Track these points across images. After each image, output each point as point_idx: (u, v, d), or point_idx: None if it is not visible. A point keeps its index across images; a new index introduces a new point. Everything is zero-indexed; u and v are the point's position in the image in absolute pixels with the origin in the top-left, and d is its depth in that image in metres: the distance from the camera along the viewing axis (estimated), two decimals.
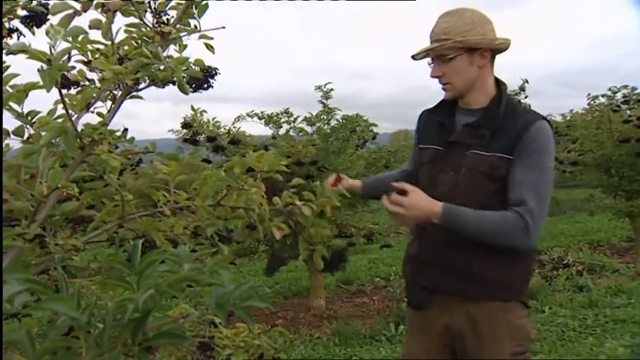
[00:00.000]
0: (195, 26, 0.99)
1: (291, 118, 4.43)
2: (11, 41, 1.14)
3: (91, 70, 0.97)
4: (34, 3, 1.11)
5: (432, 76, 1.61)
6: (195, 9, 0.98)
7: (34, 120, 0.95)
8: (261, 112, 4.39)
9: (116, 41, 0.94)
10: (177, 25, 0.97)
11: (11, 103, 0.92)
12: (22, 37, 1.16)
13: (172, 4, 0.97)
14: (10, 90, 0.93)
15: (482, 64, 1.57)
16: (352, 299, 5.12)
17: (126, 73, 0.90)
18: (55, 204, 0.87)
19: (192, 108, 3.95)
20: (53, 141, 0.88)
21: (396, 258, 6.05)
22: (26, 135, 0.95)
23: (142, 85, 0.96)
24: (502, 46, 1.59)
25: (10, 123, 0.93)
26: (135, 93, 0.97)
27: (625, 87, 5.38)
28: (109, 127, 0.92)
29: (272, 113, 4.41)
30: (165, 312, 0.86)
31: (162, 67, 0.92)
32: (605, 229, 7.46)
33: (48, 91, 0.82)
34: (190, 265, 0.73)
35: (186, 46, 0.99)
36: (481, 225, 1.49)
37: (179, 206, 1.02)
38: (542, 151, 1.50)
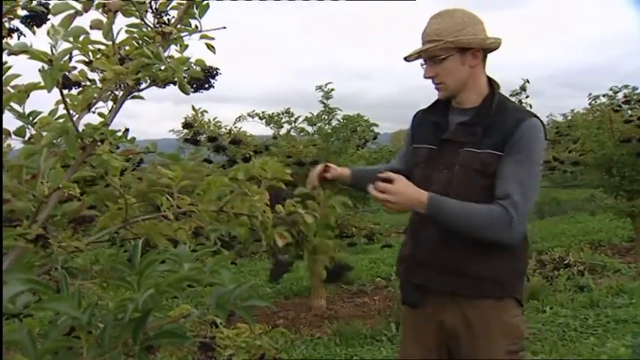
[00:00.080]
0: (196, 26, 0.99)
1: (292, 118, 4.43)
2: (12, 41, 1.14)
3: (92, 71, 0.97)
4: (34, 3, 1.11)
5: (425, 77, 1.62)
6: (196, 9, 0.98)
7: (35, 120, 0.95)
8: (262, 112, 4.39)
9: (117, 41, 0.94)
10: (178, 26, 0.97)
11: (12, 104, 0.92)
12: (22, 37, 1.16)
13: (173, 4, 0.97)
14: (12, 90, 0.93)
15: (474, 64, 1.58)
16: (353, 299, 5.12)
17: (127, 74, 0.90)
18: (56, 204, 0.87)
19: (193, 108, 3.96)
20: (54, 141, 0.88)
21: None
22: (27, 135, 0.95)
23: (143, 86, 0.96)
24: (493, 46, 1.60)
25: (12, 123, 0.93)
26: (136, 93, 0.96)
27: (626, 87, 5.38)
28: (110, 128, 0.92)
29: (273, 113, 4.41)
30: (166, 312, 0.86)
31: (163, 68, 0.92)
32: (606, 229, 7.46)
33: (49, 91, 0.82)
34: (191, 265, 0.73)
35: (187, 46, 0.99)
36: (466, 217, 1.50)
37: (182, 211, 1.02)
38: (531, 148, 1.51)
